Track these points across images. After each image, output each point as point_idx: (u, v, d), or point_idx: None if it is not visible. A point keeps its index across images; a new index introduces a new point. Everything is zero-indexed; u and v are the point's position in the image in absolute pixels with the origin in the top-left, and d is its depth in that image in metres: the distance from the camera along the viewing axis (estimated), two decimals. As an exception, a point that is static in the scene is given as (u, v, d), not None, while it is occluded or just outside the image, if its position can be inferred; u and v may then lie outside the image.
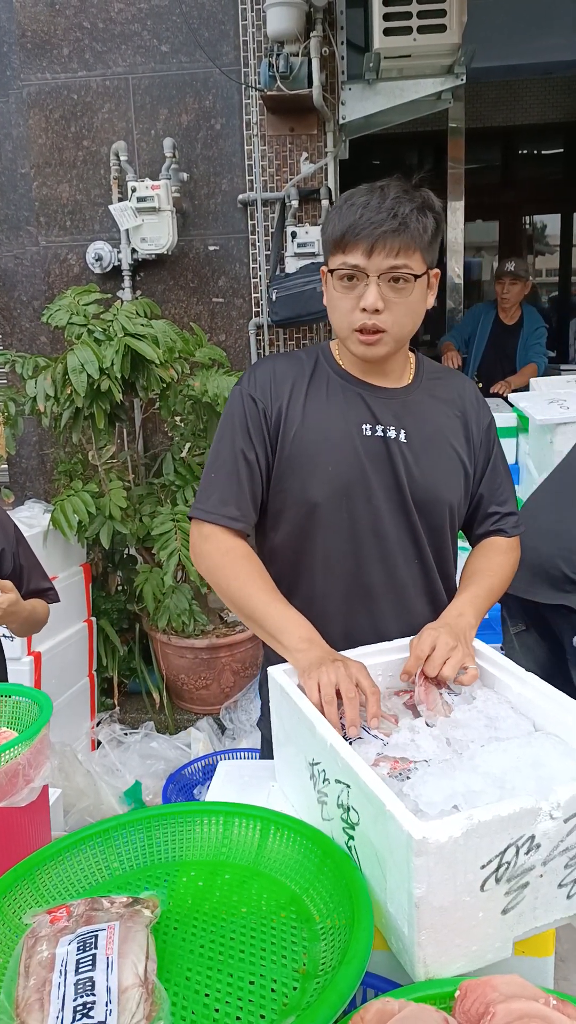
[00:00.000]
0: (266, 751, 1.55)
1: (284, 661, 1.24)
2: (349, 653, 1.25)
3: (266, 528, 1.45)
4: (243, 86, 3.57)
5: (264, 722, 1.59)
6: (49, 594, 1.88)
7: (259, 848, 1.01)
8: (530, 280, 4.64)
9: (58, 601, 1.91)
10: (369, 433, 1.36)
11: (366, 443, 1.36)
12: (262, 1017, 0.77)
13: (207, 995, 0.80)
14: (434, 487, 1.39)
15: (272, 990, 0.80)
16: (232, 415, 1.40)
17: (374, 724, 1.11)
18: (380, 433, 1.37)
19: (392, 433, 1.37)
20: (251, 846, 1.01)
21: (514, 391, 4.07)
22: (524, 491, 3.09)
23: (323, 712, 1.09)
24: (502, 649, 2.24)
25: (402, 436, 1.37)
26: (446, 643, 1.22)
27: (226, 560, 1.34)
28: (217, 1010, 0.78)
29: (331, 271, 1.31)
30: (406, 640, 1.30)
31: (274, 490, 1.40)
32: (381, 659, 1.28)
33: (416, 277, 1.27)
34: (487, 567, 1.45)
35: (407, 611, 1.42)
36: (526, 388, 3.62)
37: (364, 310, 1.27)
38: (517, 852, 0.85)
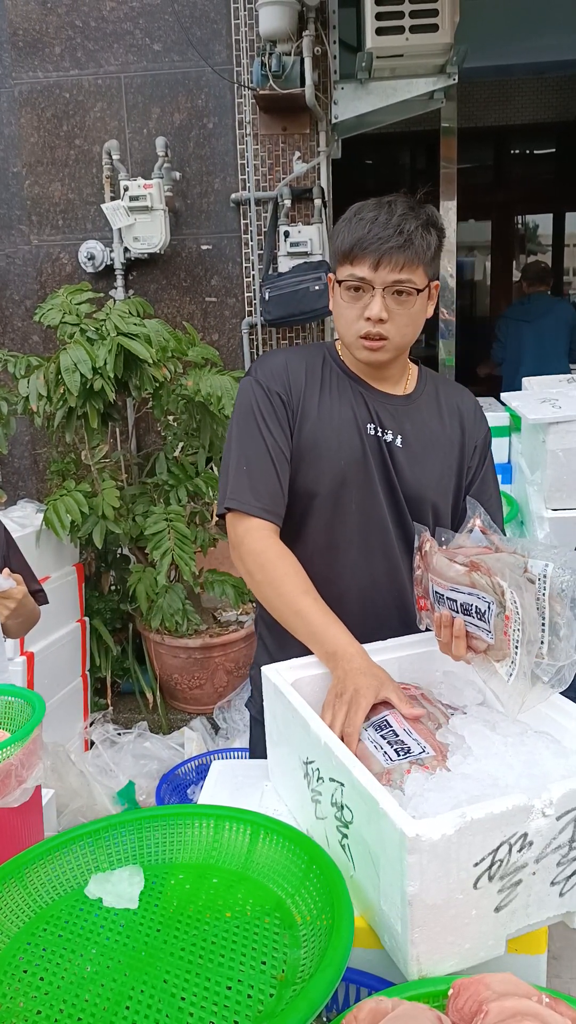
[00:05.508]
0: (256, 749, 1.56)
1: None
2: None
3: None
4: (235, 85, 3.57)
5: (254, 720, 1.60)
6: (39, 596, 1.89)
7: (248, 853, 1.00)
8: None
9: (47, 603, 1.92)
10: (372, 432, 1.43)
11: (369, 440, 1.43)
12: (235, 1023, 0.76)
13: (183, 999, 0.78)
14: (422, 487, 1.46)
15: (248, 996, 0.78)
16: (254, 406, 1.42)
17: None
18: (380, 434, 1.44)
19: (389, 436, 1.44)
20: (241, 850, 1.00)
21: None
22: (516, 490, 3.09)
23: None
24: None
25: (398, 441, 1.44)
26: None
27: (262, 561, 1.35)
28: (191, 1014, 0.76)
29: (339, 281, 1.37)
30: (415, 637, 1.34)
31: None
32: (392, 655, 1.29)
33: (419, 291, 1.34)
34: None
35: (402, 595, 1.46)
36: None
37: (368, 319, 1.34)
38: (510, 850, 0.85)
